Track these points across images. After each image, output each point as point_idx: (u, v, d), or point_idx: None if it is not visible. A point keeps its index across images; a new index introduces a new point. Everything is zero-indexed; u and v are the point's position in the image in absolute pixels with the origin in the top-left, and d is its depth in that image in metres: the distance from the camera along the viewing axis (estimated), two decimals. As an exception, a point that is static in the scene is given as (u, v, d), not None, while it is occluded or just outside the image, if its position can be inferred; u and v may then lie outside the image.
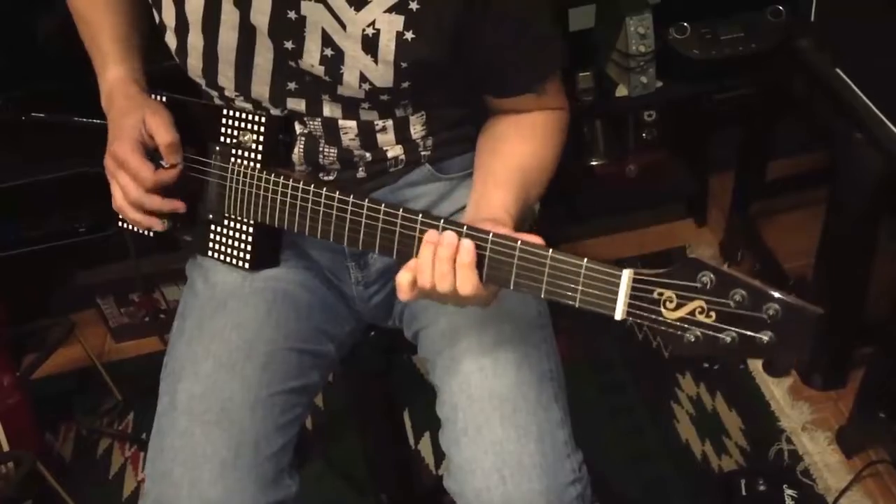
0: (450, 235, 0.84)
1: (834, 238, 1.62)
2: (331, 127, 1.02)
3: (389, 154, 1.06)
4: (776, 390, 1.79)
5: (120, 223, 1.15)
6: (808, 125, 1.89)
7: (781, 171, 2.12)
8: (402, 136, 1.05)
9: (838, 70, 1.46)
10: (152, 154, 1.03)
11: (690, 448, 1.72)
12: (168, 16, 0.98)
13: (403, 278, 0.86)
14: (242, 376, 1.00)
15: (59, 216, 1.91)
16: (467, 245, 0.83)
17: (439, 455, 1.75)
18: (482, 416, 0.94)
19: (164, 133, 1.00)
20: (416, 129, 1.05)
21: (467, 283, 0.84)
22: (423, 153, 1.08)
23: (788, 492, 1.56)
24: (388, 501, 1.56)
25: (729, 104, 1.99)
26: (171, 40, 1.00)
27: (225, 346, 1.02)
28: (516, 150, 1.02)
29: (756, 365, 1.84)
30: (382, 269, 1.13)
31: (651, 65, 1.88)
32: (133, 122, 1.01)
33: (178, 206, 1.03)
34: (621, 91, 1.92)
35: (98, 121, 1.08)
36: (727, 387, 1.82)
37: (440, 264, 0.84)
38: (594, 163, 2.07)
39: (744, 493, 1.56)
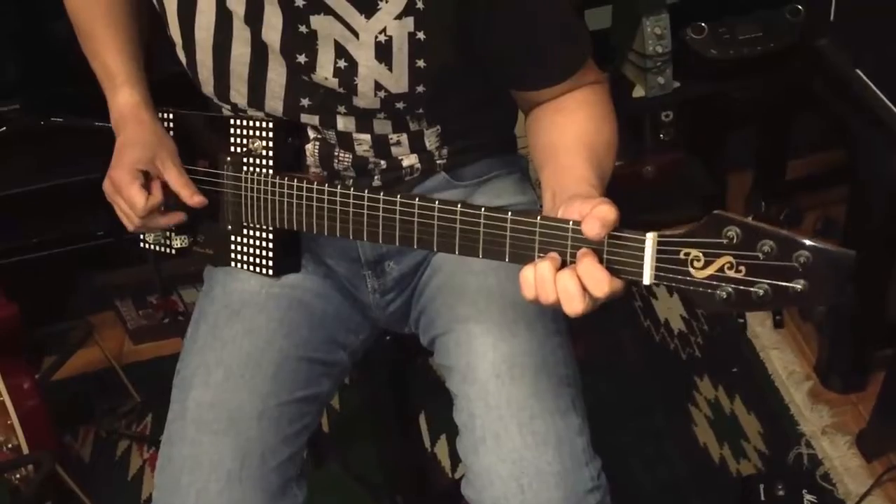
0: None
1: (853, 238, 1.61)
2: (345, 138, 1.02)
3: (405, 163, 1.06)
4: (795, 393, 1.77)
5: (141, 243, 1.17)
6: (826, 125, 1.87)
7: (800, 170, 2.10)
8: (417, 146, 1.05)
9: (858, 70, 1.44)
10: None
11: (708, 452, 1.71)
12: (175, 33, 0.98)
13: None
14: (251, 386, 1.00)
15: (77, 219, 1.92)
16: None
17: (455, 458, 1.75)
18: (500, 424, 0.94)
19: (181, 185, 1.03)
20: (431, 141, 1.05)
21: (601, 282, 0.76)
22: (438, 162, 1.08)
23: (808, 496, 1.55)
24: (403, 504, 1.56)
25: (747, 104, 1.97)
26: (181, 55, 1.01)
27: (236, 354, 1.02)
28: (574, 131, 0.96)
29: (775, 367, 1.83)
30: (398, 277, 1.12)
31: (668, 65, 1.86)
32: (139, 155, 1.02)
33: (178, 217, 1.05)
34: (638, 92, 1.91)
35: (114, 124, 1.09)
36: (746, 390, 1.81)
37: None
38: (611, 163, 2.06)
39: (762, 497, 1.55)
